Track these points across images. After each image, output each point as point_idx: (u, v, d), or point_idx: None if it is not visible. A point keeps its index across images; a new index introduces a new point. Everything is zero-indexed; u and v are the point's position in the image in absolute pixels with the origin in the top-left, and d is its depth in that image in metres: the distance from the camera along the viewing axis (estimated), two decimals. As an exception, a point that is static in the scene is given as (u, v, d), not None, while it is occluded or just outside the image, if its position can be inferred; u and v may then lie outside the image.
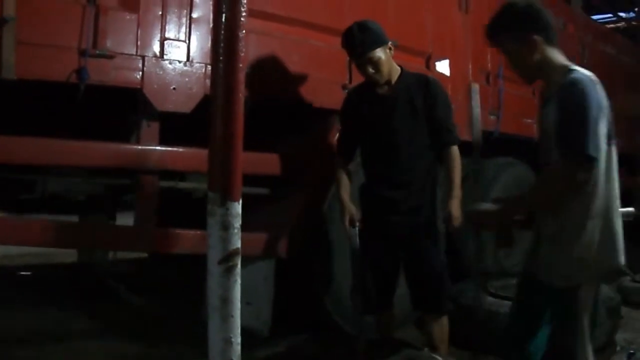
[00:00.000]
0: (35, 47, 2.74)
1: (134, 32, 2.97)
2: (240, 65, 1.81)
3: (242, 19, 1.80)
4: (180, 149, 3.14)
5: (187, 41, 3.11)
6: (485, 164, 4.80)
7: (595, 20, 8.18)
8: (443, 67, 4.36)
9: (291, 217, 3.51)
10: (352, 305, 3.16)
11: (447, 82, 4.11)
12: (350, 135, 3.28)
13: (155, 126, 3.09)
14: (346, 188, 3.18)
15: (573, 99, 2.11)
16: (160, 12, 3.04)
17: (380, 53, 3.03)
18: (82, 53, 2.81)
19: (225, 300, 1.79)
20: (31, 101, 3.10)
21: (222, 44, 1.79)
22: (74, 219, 4.55)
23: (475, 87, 4.65)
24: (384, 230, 3.15)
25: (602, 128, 2.10)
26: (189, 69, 3.10)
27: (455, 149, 3.12)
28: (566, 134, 2.10)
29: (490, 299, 3.60)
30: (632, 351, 3.55)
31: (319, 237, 3.54)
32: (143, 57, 2.98)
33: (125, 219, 3.66)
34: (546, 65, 2.33)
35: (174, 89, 3.05)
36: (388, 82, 3.14)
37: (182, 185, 3.46)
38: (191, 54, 3.12)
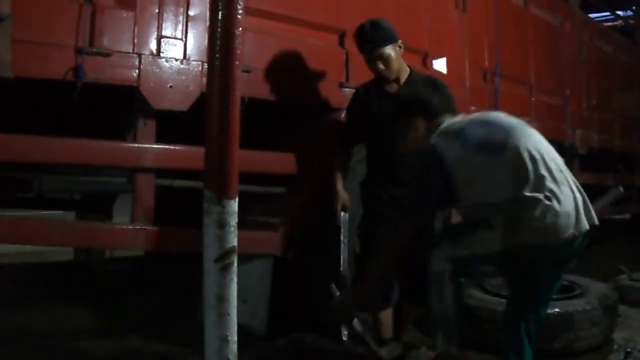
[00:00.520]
0: (32, 45, 2.73)
1: (130, 30, 2.97)
2: (237, 63, 1.81)
3: (238, 16, 1.79)
4: (177, 147, 3.14)
5: (184, 39, 3.11)
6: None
7: (593, 19, 8.17)
8: (440, 65, 4.36)
9: (288, 215, 3.50)
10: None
11: (444, 80, 4.10)
12: (354, 130, 3.31)
13: (151, 124, 3.09)
14: (340, 177, 3.24)
15: None
16: (156, 10, 3.04)
17: (390, 50, 3.14)
18: (79, 51, 2.80)
19: (222, 299, 1.79)
20: (27, 99, 3.09)
21: (218, 42, 1.79)
22: (71, 217, 4.55)
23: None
24: (386, 227, 3.15)
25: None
26: (186, 67, 3.09)
27: None
28: None
29: (488, 297, 3.60)
30: (629, 350, 3.55)
31: (317, 235, 3.54)
32: (140, 55, 2.98)
33: (121, 218, 3.66)
34: None
35: (171, 87, 3.05)
36: (397, 81, 3.23)
37: (178, 183, 3.45)
38: (188, 52, 3.11)
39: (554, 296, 3.49)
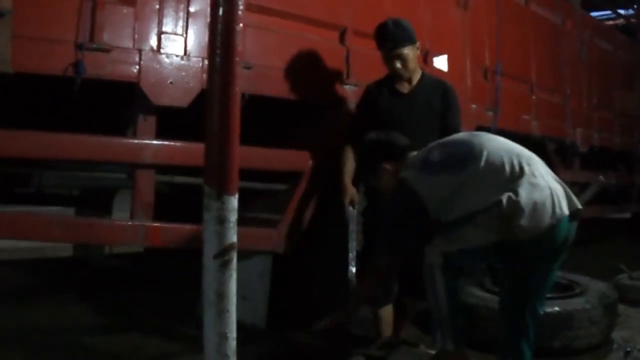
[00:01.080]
0: (32, 40, 2.74)
1: (131, 25, 2.97)
2: (237, 59, 1.80)
3: (239, 12, 1.79)
4: (177, 143, 3.13)
5: (184, 35, 3.11)
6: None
7: (594, 17, 8.17)
8: (441, 63, 4.35)
9: (289, 212, 3.50)
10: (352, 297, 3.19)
11: (445, 77, 4.09)
12: (363, 127, 3.29)
13: (151, 120, 3.09)
14: (349, 172, 3.23)
15: None
16: (157, 6, 3.04)
17: (409, 50, 3.19)
18: (79, 47, 2.81)
19: (221, 295, 1.78)
20: (27, 95, 3.09)
21: (219, 38, 1.79)
22: (70, 213, 4.54)
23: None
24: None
25: None
26: (186, 63, 3.09)
27: None
28: None
29: (487, 295, 3.60)
30: (628, 349, 3.55)
31: (320, 233, 3.54)
32: (140, 51, 2.98)
33: (121, 214, 3.65)
34: None
35: (171, 83, 3.05)
36: (409, 81, 3.27)
37: (178, 179, 3.45)
38: (188, 47, 3.11)
39: (555, 295, 3.53)
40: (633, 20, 9.37)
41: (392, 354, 3.00)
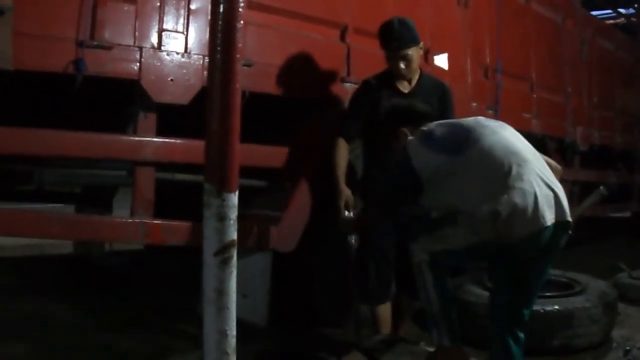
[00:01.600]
0: (33, 37, 2.72)
1: (131, 23, 2.96)
2: (238, 57, 1.80)
3: (239, 10, 1.79)
4: (177, 141, 3.13)
5: (185, 32, 3.10)
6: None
7: (595, 16, 8.16)
8: (441, 61, 4.35)
9: (289, 210, 3.50)
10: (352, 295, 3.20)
11: (445, 76, 4.10)
12: (358, 121, 3.29)
13: (152, 117, 3.08)
14: (343, 172, 3.21)
15: None
16: (158, 4, 3.03)
17: (413, 51, 3.19)
18: (80, 44, 2.80)
19: (221, 292, 1.79)
20: (28, 92, 3.09)
21: (219, 36, 1.79)
22: (70, 210, 4.55)
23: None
24: (387, 221, 3.16)
25: None
26: (187, 60, 3.09)
27: None
28: None
29: (485, 292, 3.60)
30: (628, 347, 3.56)
31: (318, 231, 3.54)
32: (141, 49, 2.97)
33: (121, 211, 3.65)
34: None
35: (172, 80, 3.04)
36: (409, 80, 3.27)
37: (179, 176, 3.45)
38: (189, 45, 3.11)
39: (555, 294, 3.54)
40: (634, 19, 9.37)
41: (391, 351, 3.00)
